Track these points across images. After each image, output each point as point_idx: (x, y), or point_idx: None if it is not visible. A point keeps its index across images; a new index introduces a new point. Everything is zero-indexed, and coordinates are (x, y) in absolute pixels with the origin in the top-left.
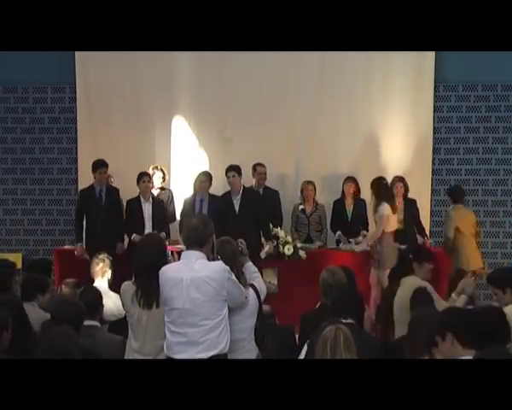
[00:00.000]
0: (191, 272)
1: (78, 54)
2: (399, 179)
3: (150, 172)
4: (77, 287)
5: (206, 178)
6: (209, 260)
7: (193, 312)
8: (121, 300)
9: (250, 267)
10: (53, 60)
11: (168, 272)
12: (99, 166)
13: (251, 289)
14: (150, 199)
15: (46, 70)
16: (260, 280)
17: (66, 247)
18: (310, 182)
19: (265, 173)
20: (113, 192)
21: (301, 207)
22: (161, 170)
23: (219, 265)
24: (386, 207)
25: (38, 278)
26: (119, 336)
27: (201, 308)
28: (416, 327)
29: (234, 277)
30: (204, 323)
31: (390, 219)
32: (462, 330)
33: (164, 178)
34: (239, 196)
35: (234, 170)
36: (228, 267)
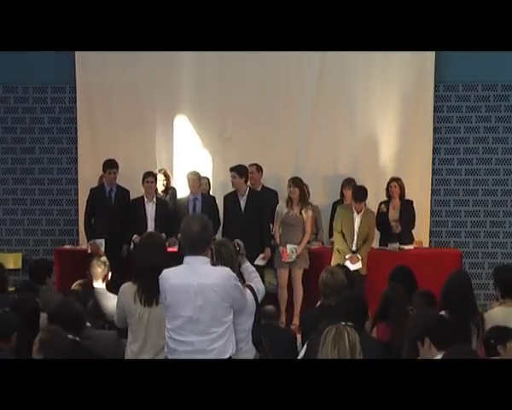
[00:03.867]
0: (197, 279)
1: (78, 54)
2: (395, 179)
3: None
4: (88, 287)
5: (194, 177)
6: (212, 264)
7: (200, 319)
8: (121, 301)
9: (248, 268)
10: (53, 60)
11: (172, 278)
12: (107, 166)
13: (248, 291)
14: (154, 199)
15: (46, 70)
16: (258, 280)
17: (66, 247)
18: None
19: (253, 172)
20: (124, 194)
21: None
22: (164, 174)
23: (226, 272)
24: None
25: (43, 262)
26: (112, 331)
27: (208, 316)
28: (414, 327)
29: (239, 283)
30: (211, 330)
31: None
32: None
33: (167, 181)
34: (245, 196)
35: (234, 171)
36: (234, 274)
